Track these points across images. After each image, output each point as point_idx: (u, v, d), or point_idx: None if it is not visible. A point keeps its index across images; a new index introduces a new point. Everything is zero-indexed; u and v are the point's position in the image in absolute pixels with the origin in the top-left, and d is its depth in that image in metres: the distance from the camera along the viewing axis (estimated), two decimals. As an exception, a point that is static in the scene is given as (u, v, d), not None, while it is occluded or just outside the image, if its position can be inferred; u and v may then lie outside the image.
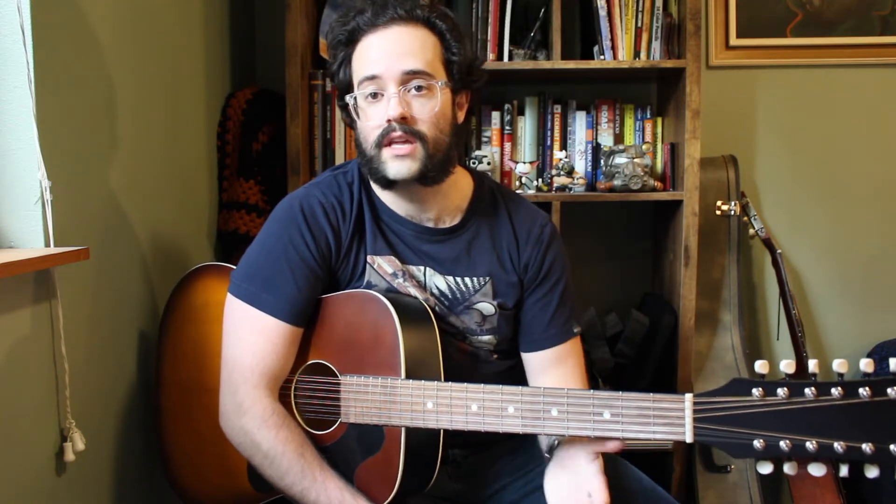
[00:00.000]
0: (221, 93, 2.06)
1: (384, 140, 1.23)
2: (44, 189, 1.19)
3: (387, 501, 1.23)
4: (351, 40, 1.28)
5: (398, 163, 1.24)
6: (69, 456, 1.25)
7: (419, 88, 1.24)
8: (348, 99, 1.29)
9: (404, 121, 1.22)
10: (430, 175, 1.26)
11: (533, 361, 1.38)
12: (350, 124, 1.36)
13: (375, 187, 1.34)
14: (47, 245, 1.21)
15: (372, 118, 1.25)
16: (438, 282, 1.34)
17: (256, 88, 2.13)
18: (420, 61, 1.24)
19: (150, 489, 1.59)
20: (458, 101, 1.32)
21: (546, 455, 1.27)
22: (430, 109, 1.25)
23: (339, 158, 2.04)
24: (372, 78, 1.24)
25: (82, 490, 1.34)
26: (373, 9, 1.26)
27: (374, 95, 1.25)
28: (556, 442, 1.24)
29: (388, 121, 1.22)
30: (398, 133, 1.22)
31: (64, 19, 1.27)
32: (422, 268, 1.34)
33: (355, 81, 1.27)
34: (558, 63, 2.03)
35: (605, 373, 2.14)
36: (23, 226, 1.21)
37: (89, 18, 1.34)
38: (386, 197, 1.34)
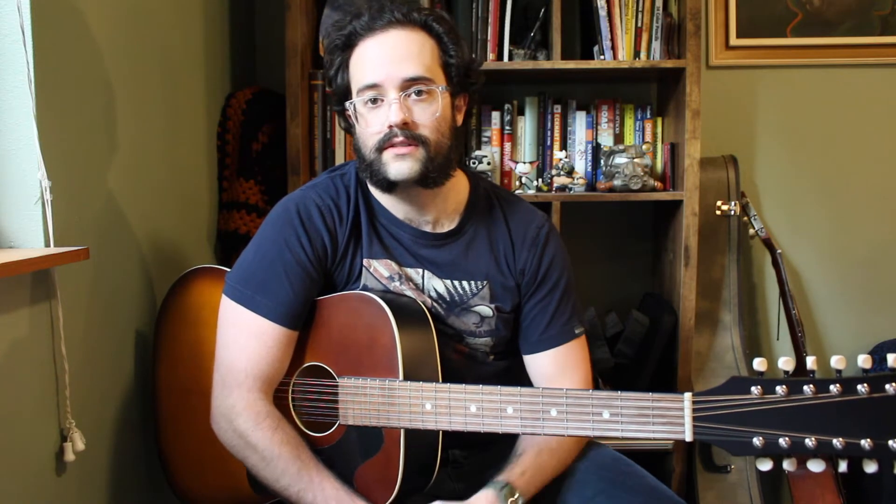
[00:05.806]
0: (221, 93, 2.06)
1: (385, 144, 1.23)
2: (44, 189, 1.19)
3: (387, 503, 1.23)
4: (348, 45, 1.27)
5: (399, 162, 1.23)
6: (69, 456, 1.25)
7: (419, 93, 1.23)
8: (347, 105, 1.29)
9: (405, 126, 1.22)
10: (431, 177, 1.26)
11: (533, 364, 1.38)
12: (347, 129, 1.36)
13: (375, 191, 1.34)
14: (47, 245, 1.21)
15: (372, 124, 1.25)
16: (437, 284, 1.34)
17: (256, 88, 2.12)
18: (420, 67, 1.23)
19: (150, 489, 1.58)
20: (457, 104, 1.32)
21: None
22: (431, 114, 1.24)
23: (339, 158, 2.04)
24: (372, 86, 1.23)
25: (82, 490, 1.34)
26: (369, 13, 1.25)
27: (374, 101, 1.24)
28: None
29: (390, 126, 1.22)
30: (400, 138, 1.22)
31: (64, 19, 1.27)
32: (419, 270, 1.34)
33: (354, 87, 1.27)
34: (558, 63, 2.03)
35: (605, 373, 2.14)
36: (23, 226, 1.21)
37: (89, 18, 1.35)
38: (384, 200, 1.34)
